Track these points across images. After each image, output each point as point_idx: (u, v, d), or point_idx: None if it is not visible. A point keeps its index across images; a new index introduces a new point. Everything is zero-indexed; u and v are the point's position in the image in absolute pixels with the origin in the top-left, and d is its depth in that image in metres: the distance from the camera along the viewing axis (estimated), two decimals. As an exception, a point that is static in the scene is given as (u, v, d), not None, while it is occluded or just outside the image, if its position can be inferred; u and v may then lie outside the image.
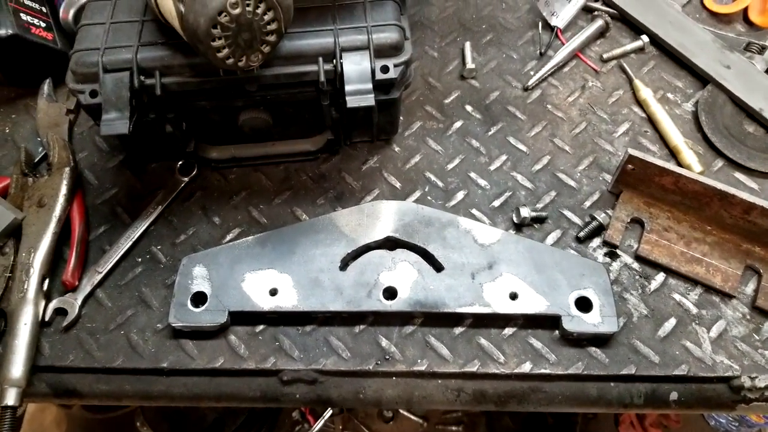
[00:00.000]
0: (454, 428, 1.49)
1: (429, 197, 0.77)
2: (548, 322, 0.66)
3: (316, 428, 1.46)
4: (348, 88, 0.61)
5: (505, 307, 0.65)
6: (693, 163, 0.75)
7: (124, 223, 0.76)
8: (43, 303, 0.69)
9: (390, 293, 0.67)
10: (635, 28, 0.90)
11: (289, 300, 0.67)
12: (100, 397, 0.68)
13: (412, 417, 1.51)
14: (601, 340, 0.65)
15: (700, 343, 0.65)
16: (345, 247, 0.70)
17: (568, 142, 0.81)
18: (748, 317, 0.66)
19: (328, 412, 1.49)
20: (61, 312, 0.70)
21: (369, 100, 0.60)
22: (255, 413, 1.42)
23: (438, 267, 0.68)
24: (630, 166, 0.70)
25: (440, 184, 0.77)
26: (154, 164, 0.80)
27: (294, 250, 0.70)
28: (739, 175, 0.76)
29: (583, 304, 0.65)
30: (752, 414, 1.28)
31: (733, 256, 0.69)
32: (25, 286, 0.69)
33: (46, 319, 0.69)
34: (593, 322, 0.64)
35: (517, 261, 0.68)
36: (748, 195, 0.65)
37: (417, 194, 0.77)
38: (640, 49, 0.89)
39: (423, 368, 0.65)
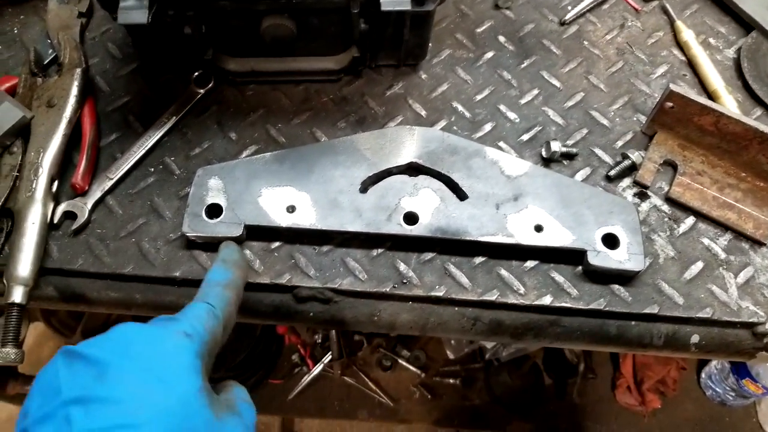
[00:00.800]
0: (451, 381, 1.49)
1: (455, 127, 0.74)
2: (572, 257, 0.64)
3: (315, 372, 1.47)
4: (384, -9, 0.57)
5: (529, 238, 0.63)
6: (732, 109, 0.72)
7: (136, 132, 0.73)
8: (51, 205, 0.67)
9: (411, 218, 0.65)
10: (681, -33, 0.86)
11: (306, 218, 0.65)
12: (108, 304, 0.67)
13: (411, 367, 1.51)
14: (624, 278, 0.63)
15: (726, 288, 0.63)
16: (366, 170, 0.67)
17: (603, 81, 0.77)
18: (778, 266, 0.64)
19: (327, 357, 1.49)
20: (70, 215, 0.67)
21: (405, 4, 0.56)
22: (254, 353, 1.41)
23: (462, 195, 0.66)
24: (669, 103, 0.67)
25: (467, 114, 0.74)
26: (169, 75, 0.77)
27: (313, 170, 0.67)
28: (779, 125, 0.73)
29: (610, 241, 0.63)
30: (751, 385, 1.28)
31: (766, 204, 0.66)
32: (33, 186, 0.66)
33: (55, 221, 0.67)
34: (619, 258, 0.62)
35: (543, 194, 0.65)
36: (792, 138, 0.63)
37: (442, 123, 0.74)
38: (684, -9, 0.84)
39: (440, 294, 0.63)
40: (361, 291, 0.64)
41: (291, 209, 0.65)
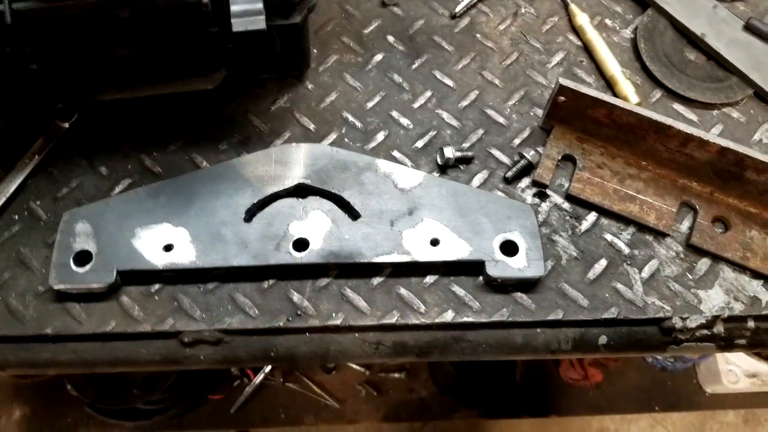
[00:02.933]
0: (396, 375, 1.47)
1: (346, 139, 0.69)
2: (472, 268, 0.61)
3: (256, 382, 1.43)
4: (234, 8, 0.52)
5: (425, 254, 0.60)
6: (630, 94, 0.70)
7: (-2, 175, 0.66)
8: None
9: (301, 245, 0.60)
10: (572, -53, 0.83)
11: (186, 256, 0.60)
12: (-21, 369, 0.61)
13: (354, 366, 1.48)
14: (527, 285, 0.61)
15: (631, 285, 0.61)
16: (250, 197, 0.63)
17: (498, 75, 0.74)
18: (682, 256, 0.63)
19: (268, 366, 1.45)
20: (-75, 280, 0.61)
21: (259, 23, 0.51)
22: (189, 372, 1.36)
23: (354, 215, 0.62)
24: (561, 98, 0.64)
25: (359, 124, 0.70)
26: (28, 112, 0.70)
27: (191, 202, 0.62)
28: (678, 106, 0.72)
29: (509, 248, 0.60)
30: (680, 353, 1.30)
31: (668, 192, 0.65)
32: None
33: None
34: (518, 266, 0.59)
35: (439, 205, 0.62)
36: (685, 126, 0.61)
37: (333, 136, 0.69)
38: (577, -28, 0.81)
39: (338, 322, 0.60)
40: (253, 328, 0.59)
41: (168, 248, 0.60)
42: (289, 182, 0.63)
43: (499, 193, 0.66)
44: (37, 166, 0.66)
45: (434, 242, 0.60)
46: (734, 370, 1.40)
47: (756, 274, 0.61)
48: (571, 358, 0.61)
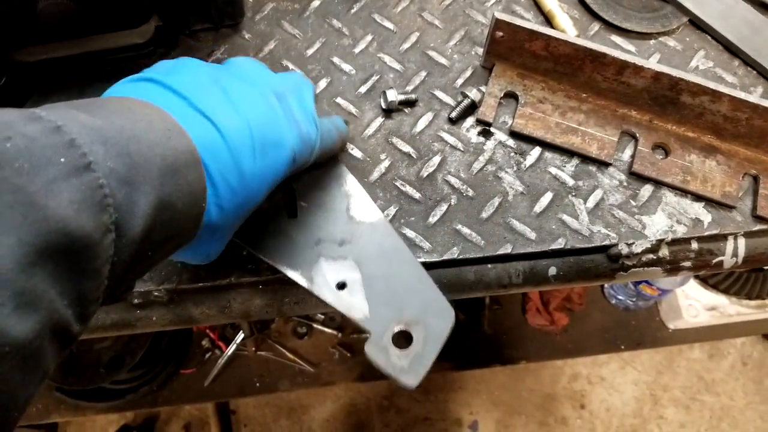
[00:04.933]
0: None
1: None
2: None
3: (228, 353, 1.42)
4: (151, -51, 0.50)
5: (324, 291, 0.54)
6: (568, 28, 0.70)
7: None
8: None
9: None
10: None
11: None
12: None
13: (327, 329, 1.49)
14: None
15: (576, 215, 0.62)
16: None
17: (438, 16, 0.73)
18: (625, 184, 0.64)
19: (240, 336, 1.45)
20: None
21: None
22: (159, 347, 1.35)
23: (292, 213, 0.58)
24: (499, 33, 0.64)
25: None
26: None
27: None
28: (616, 38, 0.72)
29: (401, 339, 0.52)
30: (647, 289, 1.35)
31: (608, 122, 0.65)
32: None
33: None
34: (397, 362, 0.50)
35: (373, 254, 0.56)
36: (619, 53, 0.61)
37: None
38: None
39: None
40: (203, 286, 0.59)
41: None
42: None
43: (446, 135, 0.66)
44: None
45: (341, 285, 0.55)
46: (694, 304, 1.45)
47: (697, 197, 0.63)
48: (523, 291, 0.62)
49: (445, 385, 1.90)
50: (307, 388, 1.52)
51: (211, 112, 0.41)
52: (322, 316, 1.51)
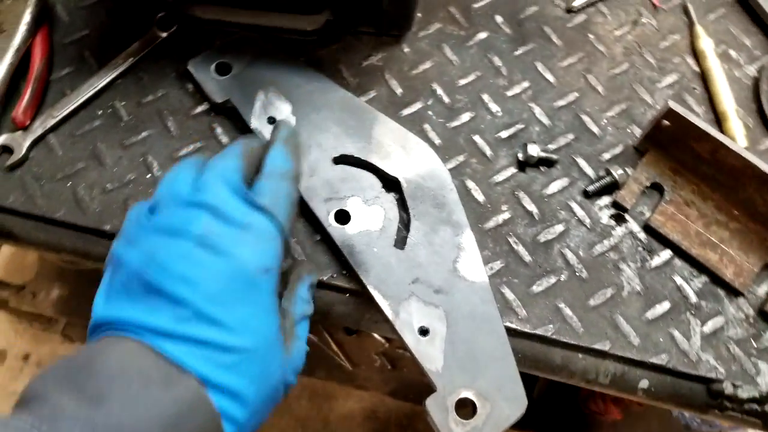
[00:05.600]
0: (415, 358, 1.47)
1: (430, 112, 0.67)
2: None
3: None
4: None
5: (406, 331, 0.54)
6: (738, 136, 0.65)
7: (90, 69, 0.67)
8: (-14, 137, 0.63)
9: (343, 217, 0.58)
10: (716, -35, 0.77)
11: None
12: (37, 245, 0.63)
13: (376, 335, 1.48)
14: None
15: (689, 336, 0.58)
16: (353, 148, 0.61)
17: (603, 83, 0.70)
18: (752, 320, 0.59)
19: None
20: (6, 150, 0.63)
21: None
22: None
23: (402, 245, 0.57)
24: (666, 121, 0.60)
25: (446, 99, 0.68)
26: (132, 13, 0.70)
27: (319, 108, 0.64)
28: (788, 161, 0.66)
29: (465, 405, 0.51)
30: (722, 421, 1.24)
31: (755, 250, 0.60)
32: (-32, 114, 0.62)
33: (-10, 154, 0.63)
34: (452, 427, 0.50)
35: (465, 313, 0.54)
36: (793, 182, 0.56)
37: (418, 105, 0.67)
38: (715, -8, 0.75)
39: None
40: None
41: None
42: (391, 171, 0.60)
43: (576, 206, 0.62)
44: (128, 68, 0.67)
45: (424, 331, 0.54)
46: (762, 445, 1.32)
47: (829, 359, 0.57)
48: (606, 392, 0.58)
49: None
50: (340, 384, 1.51)
51: (232, 386, 0.40)
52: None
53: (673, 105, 0.58)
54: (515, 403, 0.51)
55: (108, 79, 0.66)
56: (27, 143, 0.63)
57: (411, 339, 0.53)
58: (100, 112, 0.66)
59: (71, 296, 1.51)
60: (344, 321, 0.61)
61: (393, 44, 0.71)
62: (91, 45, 0.69)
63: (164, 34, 0.68)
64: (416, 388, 1.56)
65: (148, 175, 0.62)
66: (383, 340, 1.50)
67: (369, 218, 0.59)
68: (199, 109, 0.66)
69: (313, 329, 1.53)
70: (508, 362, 0.53)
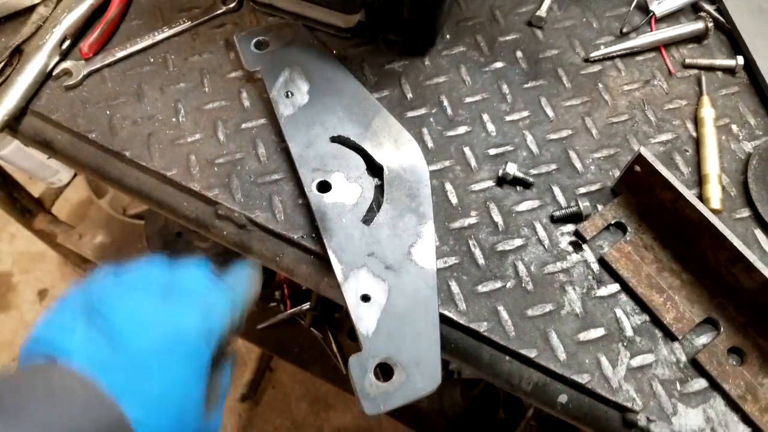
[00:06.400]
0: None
1: (431, 119, 0.74)
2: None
3: (288, 313, 1.52)
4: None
5: (350, 295, 0.59)
6: (714, 199, 0.68)
7: (156, 24, 0.79)
8: (56, 59, 0.74)
9: (325, 187, 0.65)
10: (736, 45, 0.81)
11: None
12: (68, 158, 0.73)
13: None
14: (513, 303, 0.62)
15: (615, 364, 0.60)
16: (352, 132, 0.69)
17: (599, 127, 0.74)
18: (682, 366, 0.61)
19: (305, 306, 1.53)
20: (67, 72, 0.75)
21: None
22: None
23: (369, 221, 0.64)
24: (637, 167, 0.64)
25: (450, 111, 0.74)
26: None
27: (334, 91, 0.72)
28: (760, 234, 0.68)
29: (385, 371, 0.56)
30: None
31: (700, 302, 0.62)
32: (47, 37, 0.74)
33: (54, 73, 0.74)
34: (368, 387, 0.55)
35: (407, 292, 0.60)
36: (739, 243, 0.58)
37: (423, 111, 0.74)
38: (730, 70, 0.79)
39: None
40: (272, 230, 0.66)
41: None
42: (378, 158, 0.67)
43: (539, 227, 0.67)
44: (186, 29, 0.78)
45: (365, 298, 0.59)
46: None
47: (746, 420, 0.58)
48: (527, 400, 0.60)
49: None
50: (331, 383, 1.55)
51: (102, 369, 0.41)
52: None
53: (644, 151, 0.63)
54: (430, 378, 0.56)
55: (167, 34, 0.78)
56: (85, 71, 0.75)
57: (352, 301, 0.59)
58: (152, 60, 0.77)
59: (111, 244, 1.65)
60: (306, 281, 0.67)
61: (417, 56, 0.78)
62: (164, 5, 0.81)
63: (224, 8, 0.79)
64: (405, 410, 1.56)
65: (174, 119, 0.72)
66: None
67: (347, 193, 0.65)
68: (233, 75, 0.76)
69: (320, 328, 1.59)
70: (432, 343, 0.58)
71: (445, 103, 0.75)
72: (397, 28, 0.75)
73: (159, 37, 0.77)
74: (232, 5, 0.79)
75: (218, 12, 0.79)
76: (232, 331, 0.51)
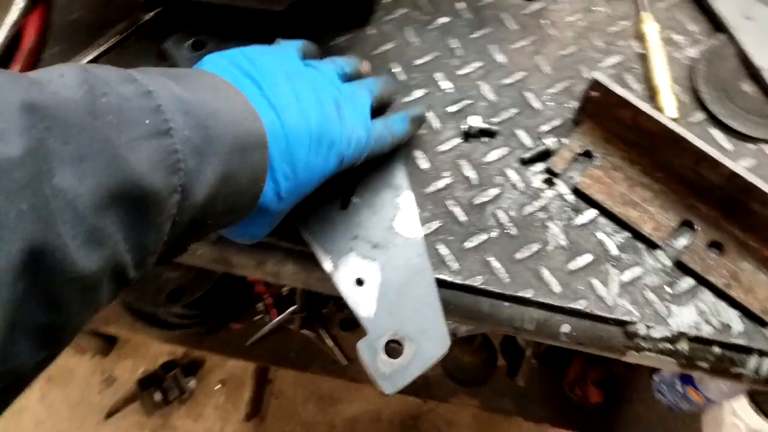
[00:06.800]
0: (408, 340, 1.53)
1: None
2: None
3: (276, 321, 1.52)
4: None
5: (344, 282, 0.60)
6: (668, 107, 0.70)
7: (79, 46, 0.76)
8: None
9: None
10: (663, -44, 0.82)
11: None
12: None
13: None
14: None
15: (607, 283, 0.63)
16: None
17: (550, 63, 0.76)
18: (668, 270, 0.64)
19: (292, 309, 1.54)
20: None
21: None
22: (221, 295, 1.47)
23: (345, 205, 0.63)
24: (594, 92, 0.66)
25: (402, 77, 0.75)
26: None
27: None
28: (716, 132, 0.71)
29: (394, 347, 0.56)
30: (693, 393, 1.27)
31: (674, 207, 0.65)
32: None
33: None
34: (381, 367, 0.55)
35: (398, 265, 0.60)
36: (701, 143, 0.61)
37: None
38: (662, -19, 0.81)
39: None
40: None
41: None
42: None
43: (511, 172, 0.69)
44: (113, 46, 0.76)
45: (359, 282, 0.60)
46: (739, 424, 1.34)
47: (735, 304, 0.61)
48: (532, 339, 0.63)
49: (472, 424, 1.88)
50: (335, 377, 1.57)
51: (279, 106, 0.47)
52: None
53: (597, 75, 0.64)
54: (439, 342, 0.57)
55: (93, 56, 0.75)
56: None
57: (347, 288, 0.60)
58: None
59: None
60: (294, 281, 0.67)
61: (359, 28, 0.78)
62: (82, 25, 0.78)
63: (150, 14, 0.77)
64: (414, 381, 1.62)
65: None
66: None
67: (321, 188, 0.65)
68: (182, 83, 0.75)
69: (309, 326, 1.60)
70: (434, 308, 0.59)
71: (397, 69, 0.75)
72: (333, 1, 0.75)
73: (85, 59, 0.75)
74: (158, 10, 0.78)
75: (144, 20, 0.77)
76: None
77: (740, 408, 1.30)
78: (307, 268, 0.66)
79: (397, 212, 0.64)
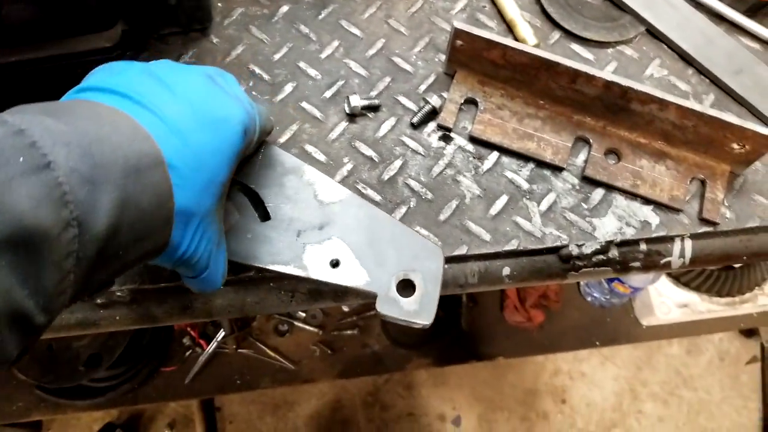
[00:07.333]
0: (349, 332, 1.51)
1: (254, 92, 0.70)
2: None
3: (209, 351, 1.44)
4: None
5: (322, 273, 0.58)
6: (528, 36, 0.72)
7: None
8: None
9: None
10: None
11: None
12: None
13: (308, 327, 1.51)
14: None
15: (530, 218, 0.65)
16: None
17: (404, 23, 0.75)
18: (578, 188, 0.67)
19: (221, 334, 1.46)
20: None
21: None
22: (141, 345, 1.37)
23: (264, 215, 0.60)
24: (459, 41, 0.66)
25: (266, 77, 0.71)
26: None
27: None
28: (576, 46, 0.74)
29: (407, 287, 0.57)
30: (620, 287, 1.38)
31: (564, 129, 0.68)
32: None
33: None
34: (410, 308, 0.56)
35: (352, 227, 0.59)
36: (572, 62, 0.63)
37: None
38: None
39: (251, 273, 0.61)
40: (165, 286, 0.61)
41: None
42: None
43: (407, 139, 0.68)
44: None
45: (335, 263, 0.58)
46: (666, 301, 1.48)
47: (646, 200, 0.65)
48: (478, 290, 0.64)
49: (428, 380, 1.92)
50: (288, 385, 1.53)
51: (150, 103, 0.43)
52: (303, 314, 1.53)
53: (458, 24, 0.64)
54: (434, 255, 0.58)
55: None
56: None
57: (330, 277, 0.57)
58: None
59: None
60: (228, 313, 0.63)
61: (201, 38, 0.72)
62: None
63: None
64: (362, 362, 1.61)
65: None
66: (317, 330, 1.54)
67: (228, 216, 0.60)
68: None
69: (245, 344, 1.53)
70: (407, 233, 0.59)
71: (258, 70, 0.71)
72: (167, 18, 0.68)
73: None
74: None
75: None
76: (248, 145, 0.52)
77: (663, 287, 1.43)
78: (239, 296, 0.62)
79: (314, 187, 0.61)
